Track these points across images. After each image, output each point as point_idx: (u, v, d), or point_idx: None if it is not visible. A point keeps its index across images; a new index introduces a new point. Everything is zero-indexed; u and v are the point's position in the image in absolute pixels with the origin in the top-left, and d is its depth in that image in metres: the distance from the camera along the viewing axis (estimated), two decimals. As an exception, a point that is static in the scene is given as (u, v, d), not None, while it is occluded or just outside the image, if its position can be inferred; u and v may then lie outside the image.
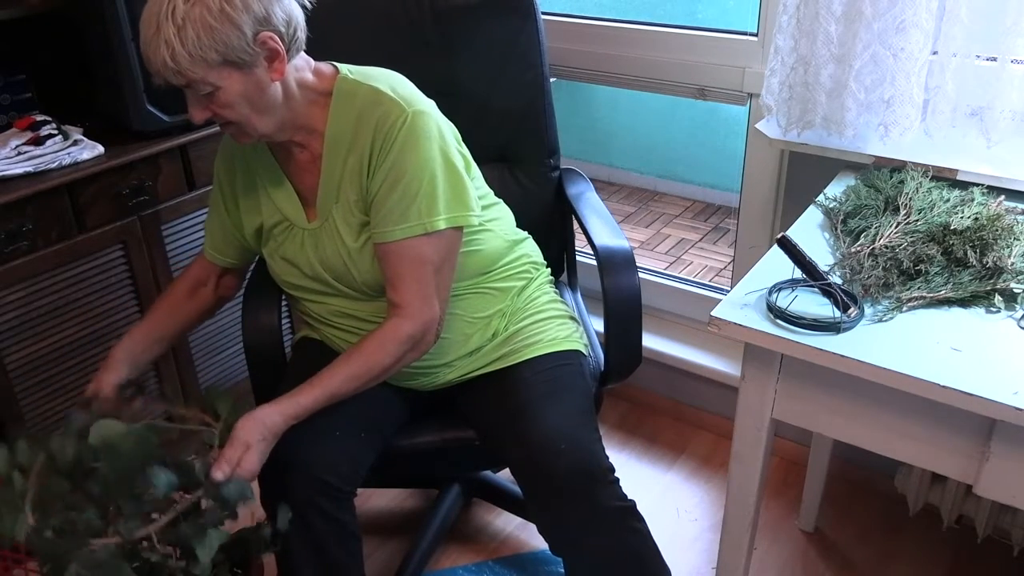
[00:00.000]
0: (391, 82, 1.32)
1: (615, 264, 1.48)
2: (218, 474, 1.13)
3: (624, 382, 1.54)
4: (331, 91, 1.31)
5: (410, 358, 1.31)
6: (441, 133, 1.30)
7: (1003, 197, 1.37)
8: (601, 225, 1.60)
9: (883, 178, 1.45)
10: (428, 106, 1.31)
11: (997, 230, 1.25)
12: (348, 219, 1.32)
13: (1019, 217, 1.32)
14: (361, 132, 1.29)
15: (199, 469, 1.13)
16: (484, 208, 1.41)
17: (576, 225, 1.72)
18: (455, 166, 1.31)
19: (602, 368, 1.53)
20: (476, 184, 1.40)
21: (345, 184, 1.31)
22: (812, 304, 1.16)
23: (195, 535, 1.08)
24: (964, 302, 1.17)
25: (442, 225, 1.28)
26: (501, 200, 1.53)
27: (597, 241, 1.53)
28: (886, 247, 1.26)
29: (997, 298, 1.17)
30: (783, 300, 1.16)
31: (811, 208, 1.46)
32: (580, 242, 1.75)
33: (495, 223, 1.46)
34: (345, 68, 1.33)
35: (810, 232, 1.38)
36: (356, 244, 1.32)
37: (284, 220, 1.38)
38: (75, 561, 1.02)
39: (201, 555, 1.07)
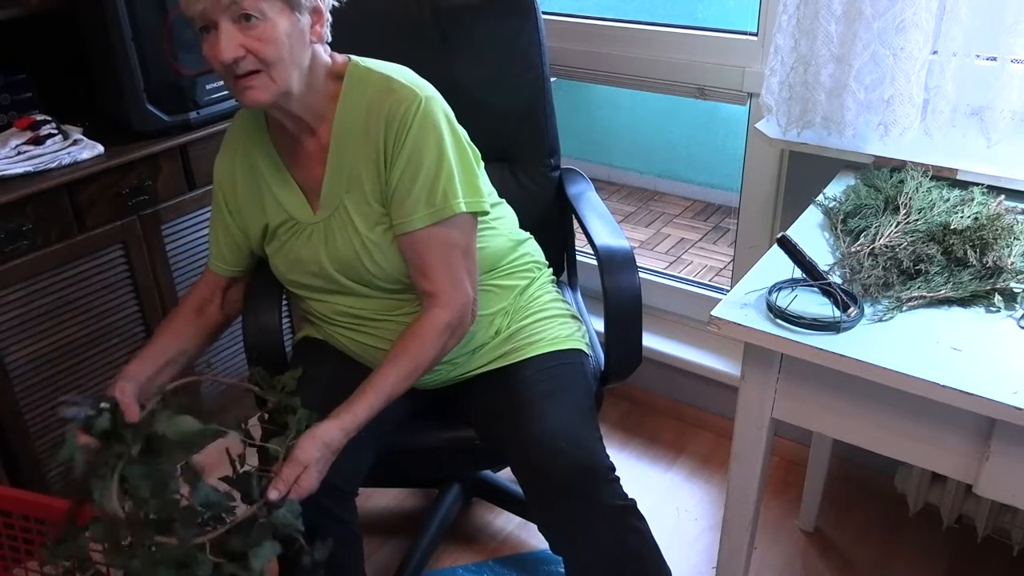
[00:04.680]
0: (400, 71, 1.34)
1: (615, 264, 1.48)
2: (273, 493, 1.14)
3: (624, 382, 1.54)
4: (342, 75, 1.32)
5: (451, 345, 1.32)
6: (450, 120, 1.32)
7: (1003, 197, 1.37)
8: (601, 225, 1.60)
9: (883, 178, 1.45)
10: (437, 95, 1.33)
11: (997, 230, 1.25)
12: (363, 208, 1.32)
13: (1019, 217, 1.32)
14: (372, 121, 1.29)
15: (256, 486, 1.15)
16: (491, 206, 1.41)
17: (576, 225, 1.72)
18: (467, 153, 1.33)
19: (602, 368, 1.52)
20: (483, 182, 1.40)
21: (359, 174, 1.31)
22: (812, 304, 1.16)
23: (247, 547, 1.10)
24: (964, 302, 1.17)
25: (464, 208, 1.29)
26: (504, 200, 1.53)
27: (597, 241, 1.53)
28: (886, 247, 1.26)
29: (997, 298, 1.17)
30: (783, 300, 1.16)
31: (811, 208, 1.46)
32: (580, 241, 1.75)
33: (499, 222, 1.47)
34: (356, 58, 1.35)
35: (810, 232, 1.38)
36: (371, 234, 1.32)
37: (290, 219, 1.38)
38: (137, 556, 1.06)
39: (255, 564, 1.09)
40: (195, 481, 1.14)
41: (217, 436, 1.19)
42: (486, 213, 1.36)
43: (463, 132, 1.36)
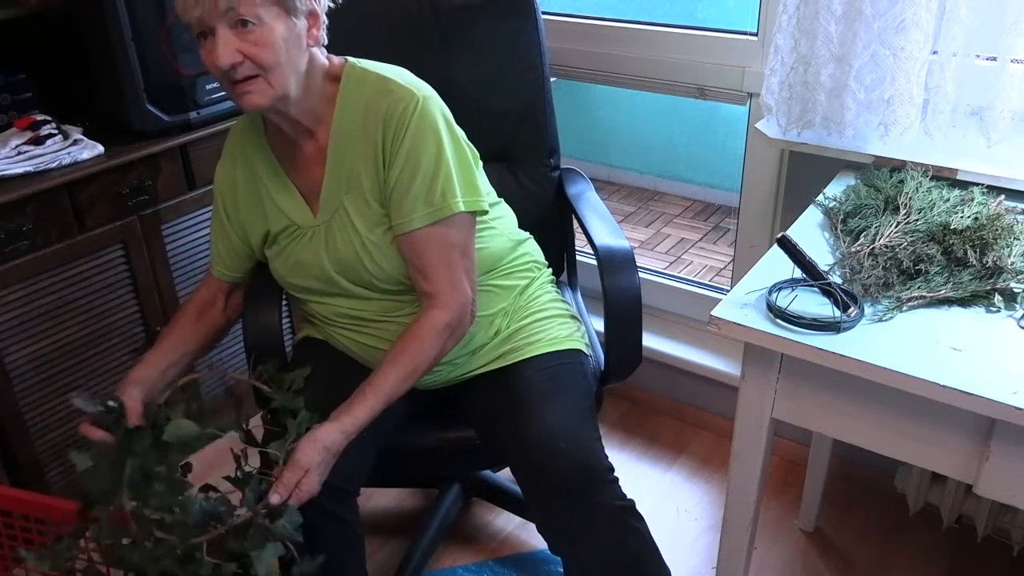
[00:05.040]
0: (398, 72, 1.34)
1: (615, 264, 1.48)
2: (275, 497, 1.14)
3: (624, 382, 1.54)
4: (340, 77, 1.32)
5: (451, 345, 1.32)
6: (448, 120, 1.33)
7: (1003, 197, 1.37)
8: (601, 225, 1.60)
9: (883, 178, 1.45)
10: (435, 94, 1.33)
11: (997, 230, 1.25)
12: (362, 209, 1.32)
13: (1019, 217, 1.32)
14: (370, 121, 1.29)
15: (249, 495, 1.14)
16: (490, 206, 1.41)
17: (576, 225, 1.72)
18: (464, 152, 1.34)
19: (602, 368, 1.52)
20: (481, 181, 1.40)
21: (358, 174, 1.31)
22: (812, 304, 1.16)
23: (244, 549, 1.10)
24: (964, 302, 1.17)
25: (462, 207, 1.30)
26: (503, 200, 1.53)
27: (597, 241, 1.53)
28: (886, 247, 1.26)
29: (997, 298, 1.17)
30: (783, 300, 1.16)
31: (811, 208, 1.46)
32: (580, 241, 1.75)
33: (499, 221, 1.47)
34: (353, 59, 1.35)
35: (810, 232, 1.38)
36: (371, 235, 1.32)
37: (291, 224, 1.38)
38: (137, 552, 1.06)
39: (259, 569, 1.09)
40: (183, 490, 1.14)
41: (214, 439, 1.19)
42: (485, 212, 1.36)
43: (461, 132, 1.36)
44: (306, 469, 1.18)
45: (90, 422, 1.22)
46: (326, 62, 1.32)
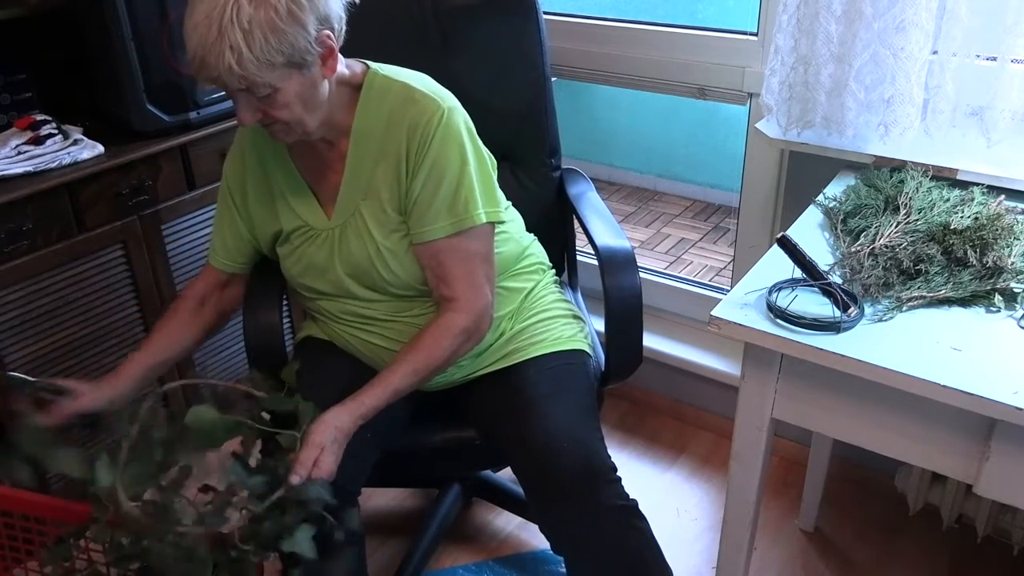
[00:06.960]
0: (421, 80, 1.33)
1: (616, 264, 1.48)
2: (295, 478, 1.15)
3: (624, 382, 1.54)
4: (359, 86, 1.31)
5: (467, 348, 1.33)
6: (470, 130, 1.33)
7: (1003, 197, 1.37)
8: (602, 225, 1.60)
9: (883, 178, 1.46)
10: (458, 104, 1.33)
11: (997, 230, 1.25)
12: (379, 216, 1.32)
13: (1019, 217, 1.32)
14: (393, 130, 1.29)
15: (282, 470, 1.16)
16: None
17: (577, 225, 1.72)
18: (485, 162, 1.34)
19: (603, 368, 1.52)
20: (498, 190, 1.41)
21: (377, 182, 1.31)
22: (812, 304, 1.16)
23: (278, 534, 1.10)
24: (964, 302, 1.17)
25: (483, 219, 1.30)
26: (510, 203, 1.53)
27: (598, 241, 1.53)
28: (886, 247, 1.26)
29: (997, 298, 1.17)
30: (783, 300, 1.16)
31: (811, 208, 1.46)
32: (581, 241, 1.75)
33: (510, 225, 1.48)
34: (375, 65, 1.34)
35: (810, 232, 1.38)
36: (387, 242, 1.32)
37: (304, 225, 1.38)
38: (164, 542, 1.06)
39: (303, 548, 1.10)
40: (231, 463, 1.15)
41: (237, 431, 1.19)
42: (503, 222, 1.37)
43: (479, 140, 1.36)
44: (321, 447, 1.18)
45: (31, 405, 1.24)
46: (345, 71, 1.30)
